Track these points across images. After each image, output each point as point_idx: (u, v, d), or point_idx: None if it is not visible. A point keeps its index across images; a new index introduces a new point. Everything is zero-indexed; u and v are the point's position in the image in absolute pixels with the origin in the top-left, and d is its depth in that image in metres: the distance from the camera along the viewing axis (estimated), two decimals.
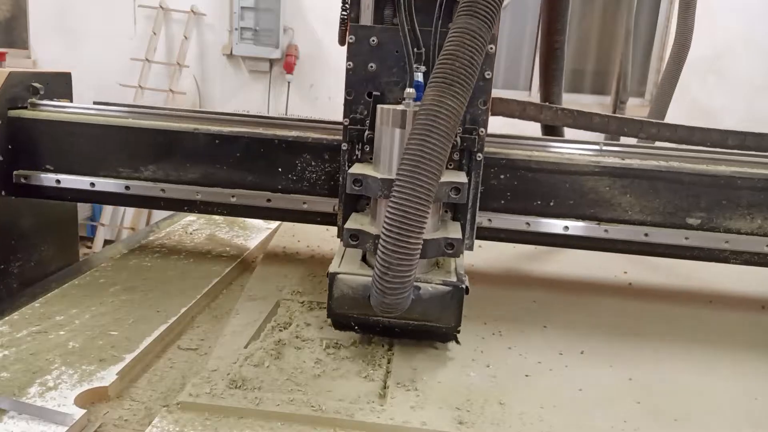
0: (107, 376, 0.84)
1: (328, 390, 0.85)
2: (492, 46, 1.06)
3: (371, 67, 1.11)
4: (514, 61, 5.21)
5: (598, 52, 5.18)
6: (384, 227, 0.86)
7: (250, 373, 0.88)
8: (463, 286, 0.98)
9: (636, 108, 4.95)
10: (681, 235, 1.24)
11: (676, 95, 5.11)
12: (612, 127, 1.40)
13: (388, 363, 0.96)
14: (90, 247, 4.66)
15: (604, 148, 1.28)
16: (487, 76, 1.10)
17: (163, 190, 1.31)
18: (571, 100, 5.10)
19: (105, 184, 1.32)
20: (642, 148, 1.34)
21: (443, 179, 0.95)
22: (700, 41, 5.17)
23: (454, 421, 0.80)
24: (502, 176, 1.25)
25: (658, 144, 1.40)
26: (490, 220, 1.26)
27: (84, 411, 0.75)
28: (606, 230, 1.26)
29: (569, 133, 1.71)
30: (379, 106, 1.04)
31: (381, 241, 0.86)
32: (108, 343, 0.93)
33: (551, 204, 1.26)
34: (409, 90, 1.01)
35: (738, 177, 1.22)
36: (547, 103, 1.48)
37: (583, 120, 1.40)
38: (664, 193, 1.24)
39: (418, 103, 0.93)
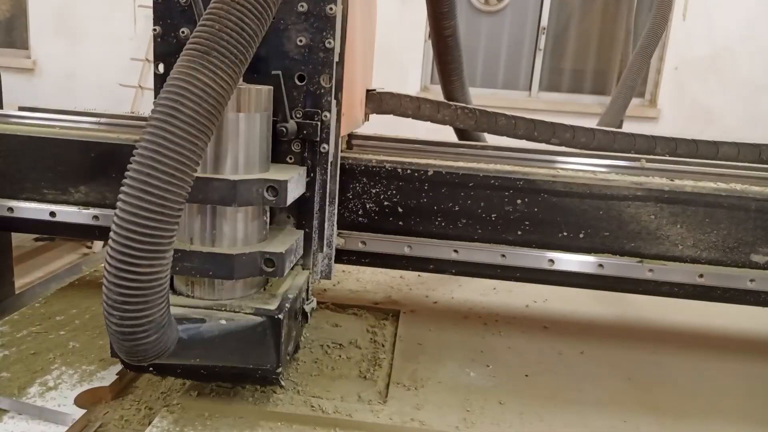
0: (107, 376, 0.84)
1: (327, 390, 0.85)
2: (331, 5, 0.85)
3: None
4: (514, 61, 5.21)
5: (598, 52, 5.17)
6: (107, 251, 0.64)
7: None
8: (280, 316, 0.77)
9: (636, 108, 4.95)
10: (745, 277, 1.00)
11: (675, 95, 5.10)
12: (520, 130, 1.19)
13: (389, 363, 0.96)
14: (90, 247, 4.65)
15: (647, 165, 1.08)
16: (329, 45, 0.87)
17: (96, 217, 1.06)
18: (572, 101, 5.10)
19: (26, 209, 1.07)
20: (695, 165, 1.10)
21: (257, 176, 0.77)
22: (700, 41, 5.18)
23: (454, 421, 0.80)
24: (518, 201, 1.02)
25: (716, 161, 1.14)
26: (503, 255, 1.03)
27: (84, 411, 0.75)
28: (651, 270, 1.02)
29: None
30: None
31: (104, 270, 0.65)
32: (108, 343, 0.93)
33: (581, 236, 1.02)
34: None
35: None
36: (445, 101, 1.27)
37: (487, 121, 1.20)
38: (724, 223, 1.01)
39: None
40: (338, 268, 1.39)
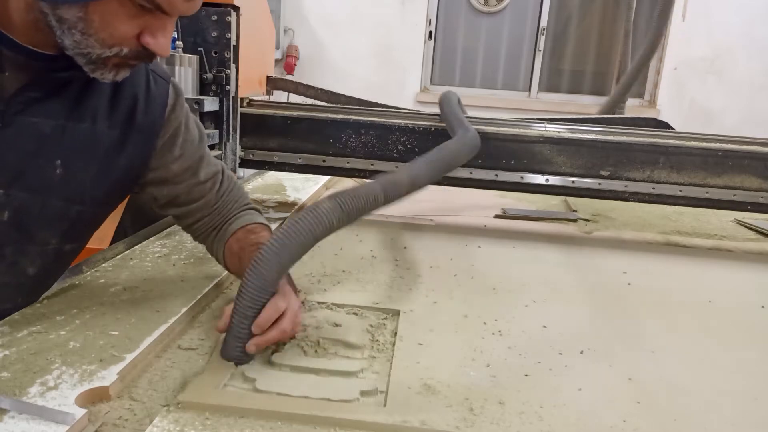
0: (108, 376, 0.84)
1: (328, 390, 0.85)
2: (228, 17, 1.66)
3: None
4: (514, 62, 5.21)
5: (597, 53, 5.18)
6: None
7: (251, 373, 0.88)
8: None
9: (635, 108, 4.95)
10: (596, 182, 1.81)
11: (675, 95, 5.11)
12: (352, 101, 2.08)
13: (389, 363, 0.96)
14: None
15: (548, 126, 1.84)
16: (228, 36, 1.69)
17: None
18: (571, 101, 5.11)
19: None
20: (572, 123, 1.89)
21: (189, 96, 1.58)
22: (700, 41, 5.19)
23: (454, 421, 0.80)
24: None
25: (583, 120, 2.00)
26: (471, 172, 1.81)
27: (85, 410, 0.75)
28: (547, 179, 1.81)
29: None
30: None
31: None
32: (108, 342, 0.93)
33: (512, 162, 1.81)
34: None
35: (634, 143, 1.80)
36: (311, 85, 2.22)
37: (335, 97, 2.13)
38: (585, 154, 1.79)
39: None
40: (339, 268, 1.40)
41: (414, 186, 1.07)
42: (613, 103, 2.68)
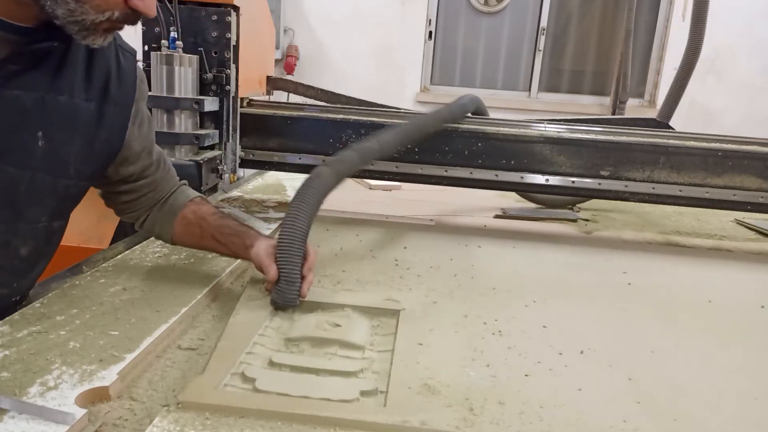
0: (108, 376, 0.84)
1: (328, 390, 0.85)
2: (228, 17, 1.69)
3: None
4: (514, 62, 5.21)
5: (597, 53, 5.17)
6: None
7: (251, 373, 0.88)
8: (201, 163, 1.65)
9: (635, 108, 4.95)
10: (596, 182, 1.82)
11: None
12: (352, 102, 2.08)
13: (388, 363, 0.96)
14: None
15: (548, 126, 1.86)
16: (228, 36, 1.71)
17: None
18: (571, 101, 5.11)
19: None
20: (572, 123, 1.92)
21: (190, 96, 1.65)
22: None
23: (454, 421, 0.80)
24: (479, 144, 1.82)
25: (583, 120, 2.02)
26: (471, 173, 1.83)
27: (85, 410, 0.75)
28: (547, 179, 1.82)
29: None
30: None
31: None
32: (108, 343, 0.93)
33: (512, 162, 1.82)
34: (164, 41, 1.64)
35: (634, 143, 1.81)
36: (311, 85, 2.23)
37: (335, 98, 2.14)
38: (585, 154, 1.80)
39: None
40: (338, 268, 1.40)
41: (382, 151, 1.51)
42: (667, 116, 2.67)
